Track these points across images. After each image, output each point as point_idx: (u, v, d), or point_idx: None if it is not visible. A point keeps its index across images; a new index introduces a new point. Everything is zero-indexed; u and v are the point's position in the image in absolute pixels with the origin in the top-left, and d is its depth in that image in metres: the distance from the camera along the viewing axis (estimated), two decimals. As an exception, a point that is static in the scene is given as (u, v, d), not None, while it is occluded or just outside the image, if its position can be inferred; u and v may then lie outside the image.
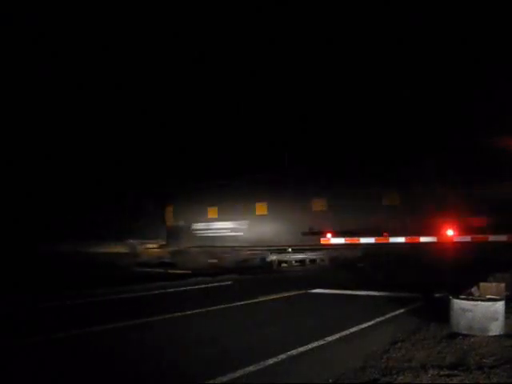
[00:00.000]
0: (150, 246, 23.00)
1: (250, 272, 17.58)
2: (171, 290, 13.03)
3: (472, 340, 6.00)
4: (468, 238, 16.46)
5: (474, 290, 7.07)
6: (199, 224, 22.12)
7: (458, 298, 6.57)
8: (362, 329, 7.33)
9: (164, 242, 23.20)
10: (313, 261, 19.55)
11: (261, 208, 20.42)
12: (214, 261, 20.09)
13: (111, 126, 29.89)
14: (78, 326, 7.79)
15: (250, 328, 7.73)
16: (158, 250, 22.67)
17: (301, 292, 11.81)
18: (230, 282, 14.88)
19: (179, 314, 8.85)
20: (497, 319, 6.28)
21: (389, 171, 18.04)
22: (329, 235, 19.54)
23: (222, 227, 21.00)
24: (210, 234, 21.43)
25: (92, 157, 29.16)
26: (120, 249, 22.67)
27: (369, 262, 16.88)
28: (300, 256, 19.56)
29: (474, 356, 5.35)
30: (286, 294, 11.40)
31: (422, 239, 17.29)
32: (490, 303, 6.40)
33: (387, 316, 8.30)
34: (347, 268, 17.13)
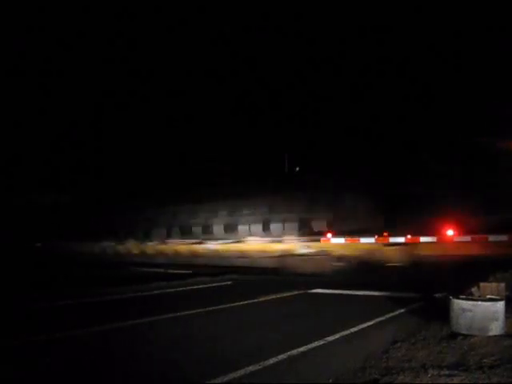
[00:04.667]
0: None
1: (250, 272, 17.56)
2: (171, 290, 13.02)
3: (472, 340, 5.99)
4: (468, 238, 16.45)
5: (474, 290, 7.06)
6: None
7: (458, 297, 6.55)
8: (362, 329, 7.33)
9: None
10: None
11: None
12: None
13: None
14: (77, 326, 7.78)
15: (250, 328, 7.73)
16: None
17: (301, 292, 11.80)
18: (229, 282, 14.87)
19: (179, 314, 8.84)
20: (497, 319, 6.27)
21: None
22: (329, 235, 19.55)
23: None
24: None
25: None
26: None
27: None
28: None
29: (473, 356, 5.33)
30: (286, 294, 11.39)
31: (422, 239, 17.29)
32: (490, 303, 6.39)
33: (387, 316, 8.29)
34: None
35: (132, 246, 24.07)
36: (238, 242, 20.15)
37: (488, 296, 6.76)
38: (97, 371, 5.54)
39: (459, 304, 6.45)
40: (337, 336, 6.80)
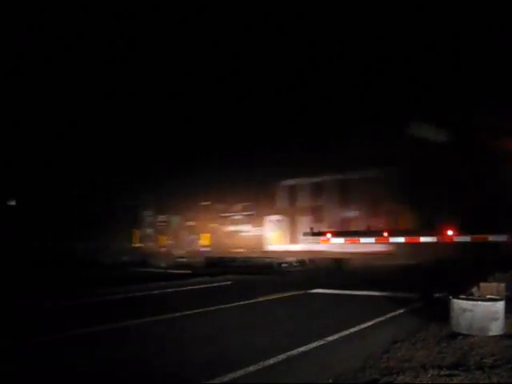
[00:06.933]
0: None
1: (250, 272, 17.58)
2: (171, 290, 13.03)
3: (472, 340, 5.99)
4: (468, 238, 16.45)
5: (474, 290, 7.07)
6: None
7: (458, 298, 6.56)
8: (362, 329, 7.33)
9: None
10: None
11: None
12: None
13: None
14: (76, 326, 7.78)
15: (249, 328, 7.73)
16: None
17: (301, 292, 11.80)
18: (229, 282, 14.88)
19: (179, 313, 8.84)
20: (497, 319, 6.28)
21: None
22: (329, 235, 19.58)
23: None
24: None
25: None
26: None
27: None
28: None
29: (474, 356, 5.34)
30: (286, 294, 11.39)
31: (422, 239, 17.29)
32: (489, 303, 6.39)
33: (387, 316, 8.30)
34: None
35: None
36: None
37: (488, 296, 6.77)
38: (96, 371, 5.53)
39: (459, 304, 6.45)
40: (337, 336, 6.80)
